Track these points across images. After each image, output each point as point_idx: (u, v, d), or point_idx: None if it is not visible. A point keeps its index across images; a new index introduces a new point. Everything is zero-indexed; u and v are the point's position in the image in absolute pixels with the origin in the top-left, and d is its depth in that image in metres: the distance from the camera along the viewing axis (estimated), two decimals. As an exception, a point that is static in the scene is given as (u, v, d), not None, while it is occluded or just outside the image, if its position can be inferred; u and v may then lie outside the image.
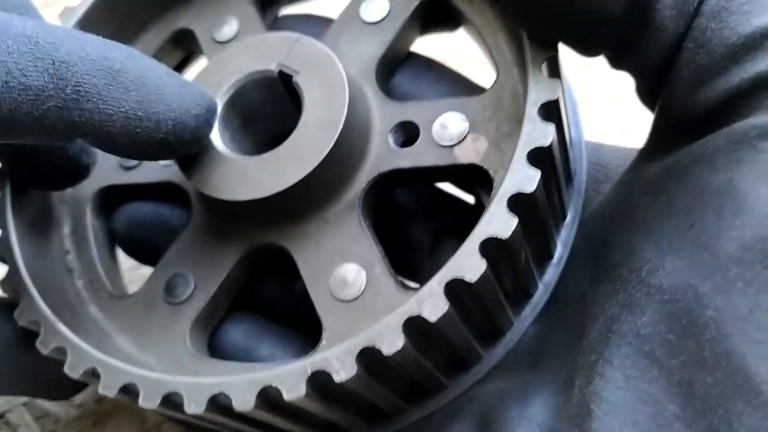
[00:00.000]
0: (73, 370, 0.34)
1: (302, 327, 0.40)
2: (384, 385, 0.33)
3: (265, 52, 0.39)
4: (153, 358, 0.37)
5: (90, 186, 0.44)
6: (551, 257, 0.37)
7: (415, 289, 0.34)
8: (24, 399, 0.53)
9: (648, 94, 0.35)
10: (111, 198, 0.44)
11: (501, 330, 0.36)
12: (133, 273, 0.51)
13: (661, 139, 0.35)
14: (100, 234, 0.43)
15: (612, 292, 0.32)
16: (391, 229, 0.43)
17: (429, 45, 0.45)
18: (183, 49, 0.48)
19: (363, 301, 0.35)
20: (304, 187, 0.36)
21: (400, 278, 0.35)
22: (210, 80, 0.39)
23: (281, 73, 0.39)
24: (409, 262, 0.43)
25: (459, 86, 0.43)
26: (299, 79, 0.38)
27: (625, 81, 0.35)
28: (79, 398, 0.51)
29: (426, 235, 0.43)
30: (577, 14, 0.31)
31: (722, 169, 0.29)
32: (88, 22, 0.44)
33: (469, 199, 0.44)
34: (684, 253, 0.29)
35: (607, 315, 0.31)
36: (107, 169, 0.44)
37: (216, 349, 0.40)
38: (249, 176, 0.36)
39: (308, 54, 0.38)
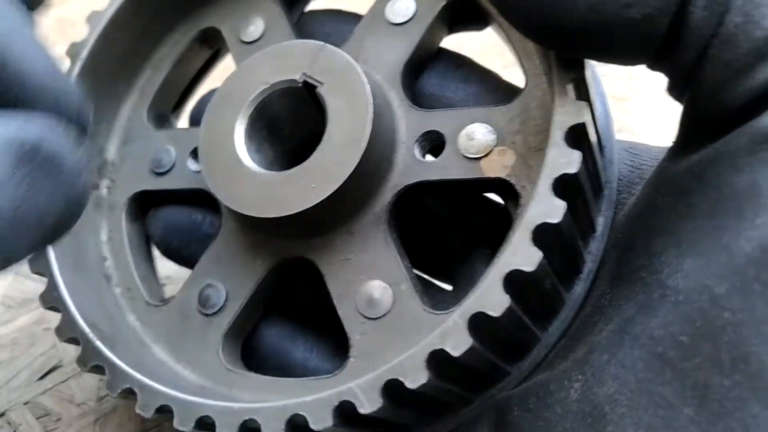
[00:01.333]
0: (111, 388, 0.35)
1: (333, 329, 0.41)
2: (408, 408, 0.34)
3: (290, 61, 0.39)
4: (188, 368, 0.39)
5: (124, 192, 0.45)
6: (579, 272, 0.37)
7: (441, 313, 0.34)
8: (26, 398, 0.51)
9: (677, 89, 0.34)
10: (144, 203, 0.45)
11: (527, 348, 0.36)
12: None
13: (687, 136, 0.34)
14: (135, 239, 0.44)
15: (631, 294, 0.31)
16: (422, 234, 0.43)
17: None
18: (210, 47, 0.48)
19: (390, 319, 0.36)
20: (330, 203, 0.36)
21: (433, 280, 0.34)
22: (235, 91, 0.39)
23: (305, 84, 0.38)
24: (442, 265, 0.43)
25: (488, 87, 0.42)
26: (323, 90, 0.38)
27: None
28: (80, 397, 0.51)
29: (457, 237, 0.43)
30: (624, 38, 0.30)
31: (745, 169, 0.29)
32: (116, 25, 0.44)
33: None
34: (702, 254, 0.29)
35: (623, 316, 0.31)
36: (140, 175, 0.45)
37: (251, 352, 0.41)
38: (276, 193, 0.37)
39: (333, 64, 0.38)
